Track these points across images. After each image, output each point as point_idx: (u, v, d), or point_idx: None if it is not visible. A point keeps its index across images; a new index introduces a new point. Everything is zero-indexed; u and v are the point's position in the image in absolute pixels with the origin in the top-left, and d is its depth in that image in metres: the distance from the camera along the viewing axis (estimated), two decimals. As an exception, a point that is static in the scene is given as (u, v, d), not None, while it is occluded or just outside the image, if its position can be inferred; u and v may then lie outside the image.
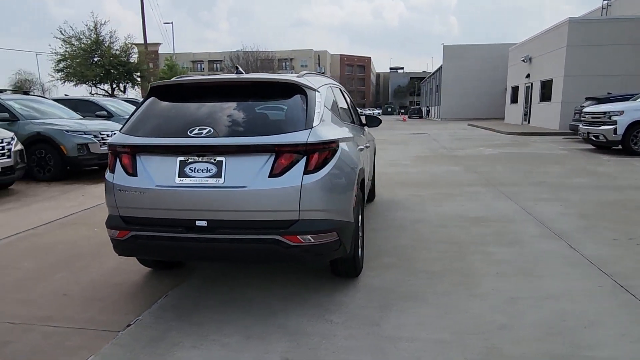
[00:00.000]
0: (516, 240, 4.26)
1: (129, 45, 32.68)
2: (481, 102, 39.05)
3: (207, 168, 2.60)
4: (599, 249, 3.93)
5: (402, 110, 71.40)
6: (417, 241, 4.30)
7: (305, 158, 2.60)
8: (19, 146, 7.14)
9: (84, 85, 32.34)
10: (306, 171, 2.59)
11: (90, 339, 2.60)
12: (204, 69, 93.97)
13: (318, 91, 3.04)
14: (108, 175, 2.82)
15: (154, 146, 2.67)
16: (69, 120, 8.90)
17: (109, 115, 11.41)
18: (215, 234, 2.61)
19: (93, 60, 31.54)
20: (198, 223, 2.63)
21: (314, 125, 2.70)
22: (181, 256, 2.79)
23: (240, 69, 3.28)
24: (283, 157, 2.58)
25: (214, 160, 2.60)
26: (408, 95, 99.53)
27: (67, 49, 30.95)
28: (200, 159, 2.61)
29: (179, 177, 2.63)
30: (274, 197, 2.55)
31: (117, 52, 31.91)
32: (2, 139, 6.80)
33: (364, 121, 5.23)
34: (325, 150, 2.69)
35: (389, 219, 5.15)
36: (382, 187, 7.07)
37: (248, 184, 2.55)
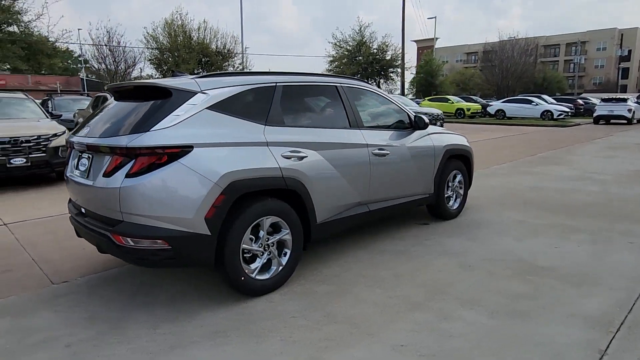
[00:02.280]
0: (530, 312, 2.77)
1: (386, 43, 35.17)
2: None
3: (84, 163, 2.99)
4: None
5: None
6: (398, 277, 3.39)
7: (132, 161, 2.62)
8: None
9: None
10: (128, 174, 2.61)
11: (41, 283, 3.43)
12: (477, 60, 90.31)
13: (200, 93, 2.91)
14: None
15: (70, 142, 3.25)
16: None
17: None
18: (86, 221, 2.98)
19: (355, 60, 35.57)
20: (82, 209, 3.07)
21: (154, 128, 2.66)
22: (81, 236, 3.27)
23: (177, 72, 3.44)
24: (114, 159, 2.68)
25: (88, 157, 2.96)
26: None
27: (337, 52, 36.04)
28: (83, 155, 3.02)
29: (75, 169, 3.12)
30: (103, 195, 2.71)
31: (375, 50, 34.94)
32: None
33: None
34: (156, 154, 2.61)
35: (425, 244, 4.15)
36: (501, 204, 5.57)
37: (93, 181, 2.79)
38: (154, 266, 2.81)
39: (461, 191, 5.13)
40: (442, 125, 15.74)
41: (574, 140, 14.50)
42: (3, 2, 18.57)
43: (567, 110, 25.00)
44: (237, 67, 25.39)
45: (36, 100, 9.30)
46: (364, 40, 35.32)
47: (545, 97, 27.67)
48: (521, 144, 12.94)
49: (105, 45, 20.22)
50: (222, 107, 2.97)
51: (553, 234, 4.35)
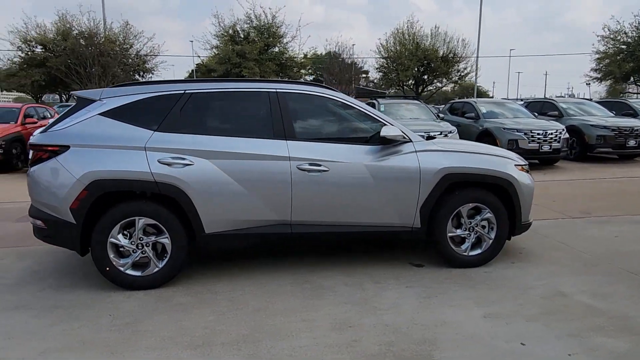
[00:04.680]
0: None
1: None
2: None
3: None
4: None
5: None
6: (257, 312, 2.93)
7: (32, 154, 3.31)
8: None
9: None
10: (29, 164, 3.30)
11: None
12: None
13: (99, 101, 3.31)
14: None
15: None
16: (512, 119, 10.38)
17: (560, 115, 11.41)
18: None
19: (634, 55, 27.85)
20: None
21: (51, 129, 3.26)
22: None
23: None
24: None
25: None
26: None
27: (608, 47, 29.00)
28: None
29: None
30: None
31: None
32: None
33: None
34: (42, 151, 3.20)
35: (360, 288, 3.30)
36: (587, 265, 3.73)
37: None
38: (46, 242, 3.41)
39: (491, 234, 3.71)
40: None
41: None
42: (272, 30, 23.63)
43: None
44: (461, 71, 23.99)
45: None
46: (653, 28, 27.17)
47: None
48: None
49: (332, 57, 22.95)
50: (115, 113, 3.30)
51: (566, 326, 2.68)
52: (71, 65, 19.60)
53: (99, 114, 3.30)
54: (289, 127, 3.46)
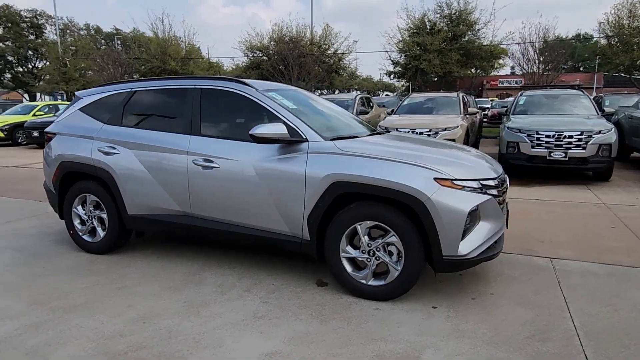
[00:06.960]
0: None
1: None
2: None
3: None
4: None
5: None
6: (122, 289, 3.22)
7: (48, 138, 4.42)
8: None
9: None
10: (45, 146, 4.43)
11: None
12: None
13: (81, 98, 4.14)
14: None
15: None
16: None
17: None
18: None
19: None
20: None
21: (55, 120, 4.29)
22: None
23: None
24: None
25: None
26: None
27: None
28: None
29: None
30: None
31: None
32: None
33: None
34: (47, 137, 4.25)
35: (222, 295, 3.15)
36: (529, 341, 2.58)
37: None
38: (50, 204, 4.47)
39: (399, 265, 2.91)
40: None
41: None
42: (465, 18, 21.95)
43: None
44: None
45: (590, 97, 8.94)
46: None
47: None
48: None
49: (533, 42, 19.16)
50: (87, 109, 4.09)
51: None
52: (276, 66, 23.03)
53: (78, 109, 4.16)
54: (195, 122, 3.56)
